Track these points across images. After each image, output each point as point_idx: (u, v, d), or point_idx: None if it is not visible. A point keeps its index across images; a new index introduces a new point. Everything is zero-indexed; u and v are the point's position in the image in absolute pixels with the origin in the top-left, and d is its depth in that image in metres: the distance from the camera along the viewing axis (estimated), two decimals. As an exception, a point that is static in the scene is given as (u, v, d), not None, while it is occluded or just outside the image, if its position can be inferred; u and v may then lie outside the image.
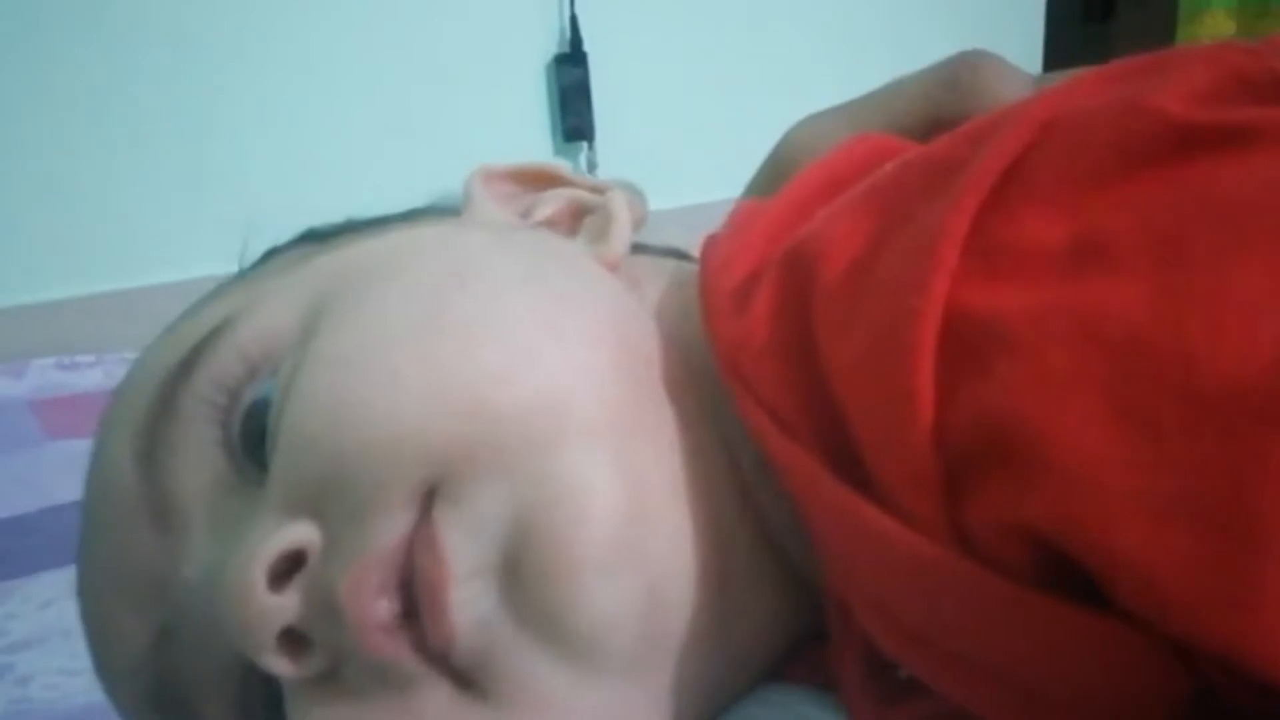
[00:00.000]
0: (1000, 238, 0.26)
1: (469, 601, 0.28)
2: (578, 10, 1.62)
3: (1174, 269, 0.23)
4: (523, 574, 0.28)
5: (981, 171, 0.27)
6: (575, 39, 1.63)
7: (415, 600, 0.28)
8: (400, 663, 0.28)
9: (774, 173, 0.41)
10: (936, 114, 0.38)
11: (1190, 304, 0.22)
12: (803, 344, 0.28)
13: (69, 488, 0.90)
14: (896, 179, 0.30)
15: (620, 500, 0.29)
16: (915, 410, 0.25)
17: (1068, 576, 0.24)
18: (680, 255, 0.43)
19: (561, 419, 0.29)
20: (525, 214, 0.40)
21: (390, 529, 0.28)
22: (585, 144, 1.67)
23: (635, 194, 0.40)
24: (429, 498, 0.28)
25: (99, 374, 1.22)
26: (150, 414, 0.32)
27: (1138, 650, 0.23)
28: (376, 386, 0.29)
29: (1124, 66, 0.31)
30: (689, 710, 0.32)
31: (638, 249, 0.39)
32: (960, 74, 0.38)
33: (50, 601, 0.74)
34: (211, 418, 0.32)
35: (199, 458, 0.32)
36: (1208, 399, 0.22)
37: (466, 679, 0.29)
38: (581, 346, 0.31)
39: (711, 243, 0.35)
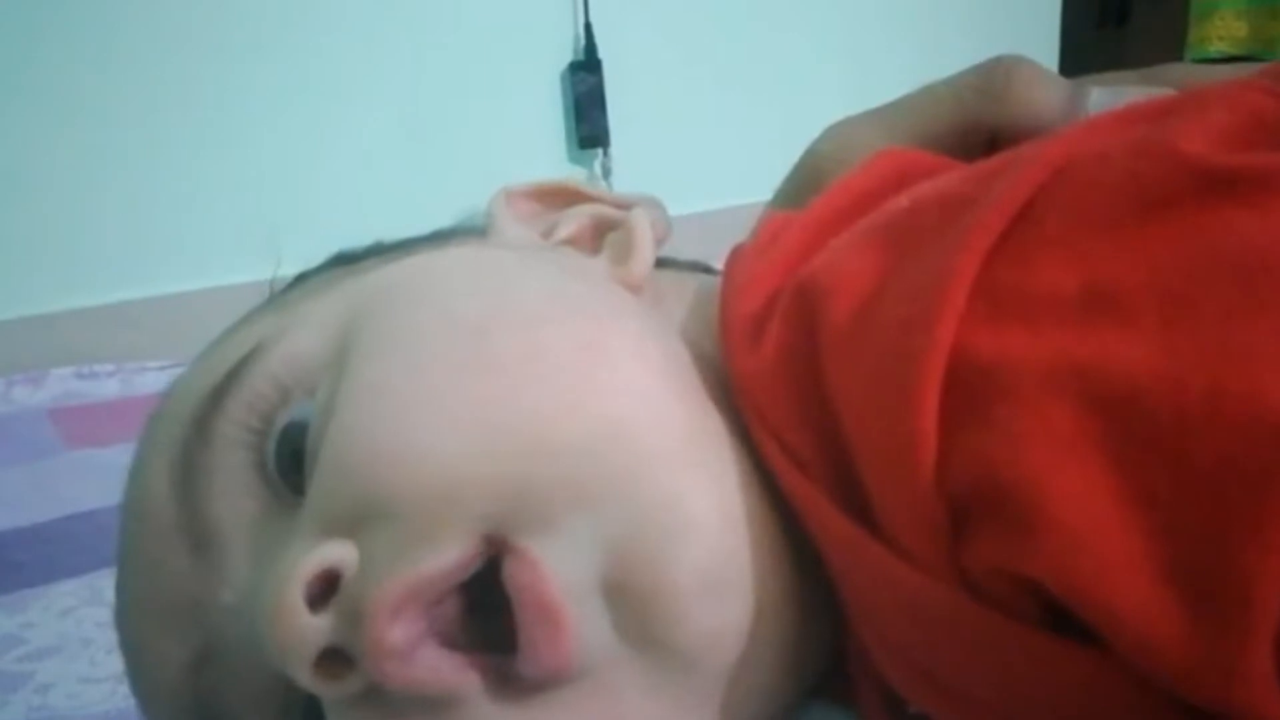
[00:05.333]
0: (1009, 281, 0.25)
1: (582, 619, 0.28)
2: (592, 18, 1.63)
3: (1181, 326, 0.23)
4: (627, 595, 0.28)
5: (992, 212, 0.26)
6: (590, 46, 1.63)
7: (515, 621, 0.27)
8: (413, 688, 0.28)
9: (803, 182, 0.40)
10: (969, 119, 0.38)
11: (1193, 366, 0.22)
12: (813, 380, 0.28)
13: (87, 497, 0.91)
14: (909, 215, 0.30)
15: (714, 519, 0.29)
16: (917, 454, 0.25)
17: (1070, 614, 0.24)
18: (704, 269, 0.43)
19: (628, 445, 0.29)
20: (548, 233, 0.39)
21: (433, 559, 0.27)
22: (600, 151, 1.68)
23: (658, 210, 0.39)
24: (495, 532, 0.28)
25: (117, 383, 1.23)
26: (185, 441, 0.32)
27: (1142, 689, 0.23)
28: (424, 423, 0.29)
29: (1144, 108, 0.30)
30: None
31: (661, 263, 0.39)
32: (993, 79, 0.37)
33: (69, 610, 0.74)
34: (246, 443, 0.32)
35: (235, 483, 0.32)
36: (1201, 468, 0.21)
37: (520, 698, 0.28)
38: (629, 367, 0.31)
39: (735, 259, 0.35)
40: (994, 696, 0.27)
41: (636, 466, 0.29)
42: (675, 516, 0.29)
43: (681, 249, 0.43)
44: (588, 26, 1.63)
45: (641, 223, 0.38)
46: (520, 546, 0.28)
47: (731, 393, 0.32)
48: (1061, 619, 0.24)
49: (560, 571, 0.28)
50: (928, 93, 0.39)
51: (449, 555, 0.27)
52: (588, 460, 0.28)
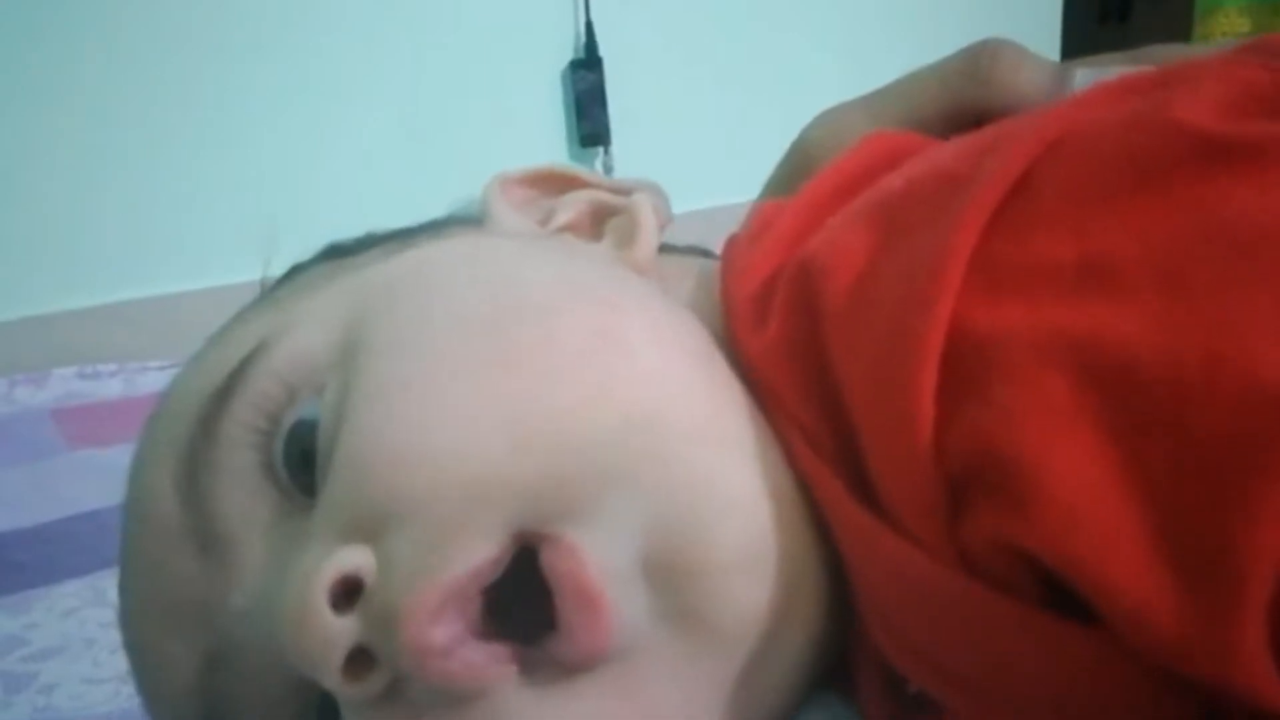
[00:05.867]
0: (1006, 256, 0.26)
1: (621, 602, 0.28)
2: (593, 16, 1.63)
3: (1177, 299, 0.23)
4: (669, 574, 0.28)
5: (987, 188, 0.26)
6: (590, 44, 1.63)
7: (540, 610, 0.28)
8: (456, 684, 0.28)
9: (794, 168, 0.40)
10: (957, 103, 0.38)
11: (1189, 339, 0.22)
12: (816, 360, 0.28)
13: (90, 497, 0.91)
14: (905, 192, 0.30)
15: (749, 495, 0.29)
16: (915, 432, 0.25)
17: (1068, 592, 0.24)
18: (704, 253, 0.43)
19: (656, 430, 0.29)
20: (545, 220, 0.39)
21: (466, 558, 0.27)
22: (601, 149, 1.68)
23: (659, 195, 0.39)
24: (526, 525, 0.28)
25: (119, 383, 1.23)
26: (190, 442, 0.32)
27: (1140, 668, 0.23)
28: (446, 425, 0.28)
29: (1133, 81, 0.31)
30: (768, 712, 0.31)
31: (662, 249, 0.39)
32: (980, 62, 0.38)
33: (72, 610, 0.74)
34: (253, 443, 0.32)
35: (243, 484, 0.32)
36: (1197, 441, 0.22)
37: (545, 683, 0.28)
38: (646, 354, 0.31)
39: (731, 246, 0.35)
40: (992, 676, 0.27)
41: (667, 449, 0.29)
42: (712, 494, 0.29)
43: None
44: (588, 25, 1.63)
45: (645, 207, 0.38)
46: (555, 534, 0.28)
47: (744, 372, 0.32)
48: (1060, 598, 0.24)
49: (598, 556, 0.28)
50: (915, 78, 0.40)
51: (480, 554, 0.27)
52: (617, 450, 0.28)
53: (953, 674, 0.28)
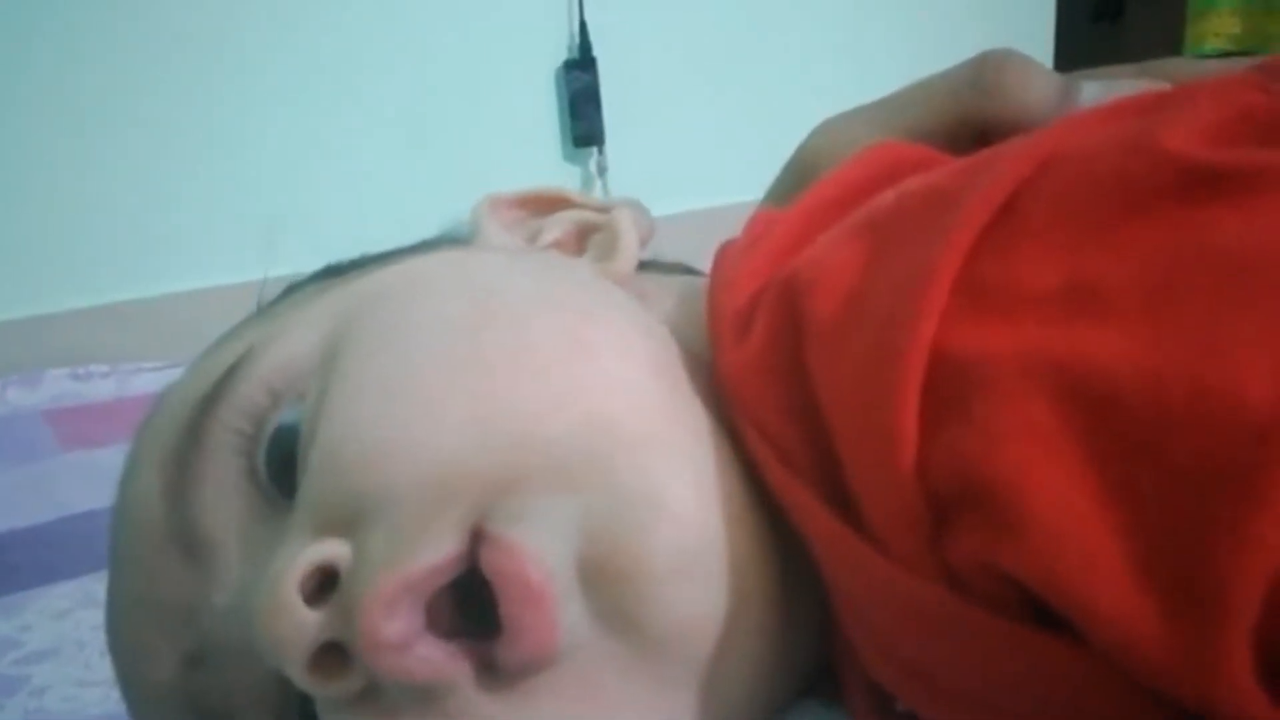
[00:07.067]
0: (992, 276, 0.26)
1: (564, 604, 0.28)
2: (587, 16, 1.62)
3: (1163, 323, 0.23)
4: (602, 578, 0.28)
5: (975, 207, 0.26)
6: (584, 44, 1.63)
7: (496, 610, 0.28)
8: (411, 679, 0.28)
9: (796, 176, 0.40)
10: (961, 114, 0.38)
11: (1175, 364, 0.22)
12: (797, 375, 0.28)
13: (83, 498, 0.91)
14: (894, 209, 0.30)
15: (690, 505, 0.29)
16: (897, 451, 0.25)
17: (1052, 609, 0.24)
18: (687, 270, 0.43)
19: (611, 434, 0.29)
20: (533, 238, 0.40)
21: (427, 554, 0.27)
22: (595, 149, 1.67)
23: (641, 211, 0.40)
24: (480, 523, 0.28)
25: (112, 384, 1.23)
26: (178, 447, 0.33)
27: (1127, 683, 0.23)
28: (418, 420, 0.29)
29: (1131, 103, 0.31)
30: (735, 715, 0.31)
31: (644, 265, 0.39)
32: (985, 73, 0.37)
33: (66, 612, 0.74)
34: (238, 447, 0.32)
35: (227, 488, 0.32)
36: (1181, 466, 0.21)
37: (505, 686, 0.28)
38: (614, 360, 0.31)
39: (723, 256, 0.35)
40: (980, 691, 0.27)
41: (615, 454, 0.29)
42: (650, 500, 0.29)
43: (677, 246, 0.43)
44: (582, 25, 1.63)
45: (624, 219, 0.39)
46: (494, 533, 0.28)
47: (718, 385, 0.32)
48: (1046, 613, 0.24)
49: (536, 554, 0.28)
50: (919, 88, 0.40)
51: (442, 549, 0.28)
52: (572, 451, 0.29)
53: (940, 689, 0.28)
